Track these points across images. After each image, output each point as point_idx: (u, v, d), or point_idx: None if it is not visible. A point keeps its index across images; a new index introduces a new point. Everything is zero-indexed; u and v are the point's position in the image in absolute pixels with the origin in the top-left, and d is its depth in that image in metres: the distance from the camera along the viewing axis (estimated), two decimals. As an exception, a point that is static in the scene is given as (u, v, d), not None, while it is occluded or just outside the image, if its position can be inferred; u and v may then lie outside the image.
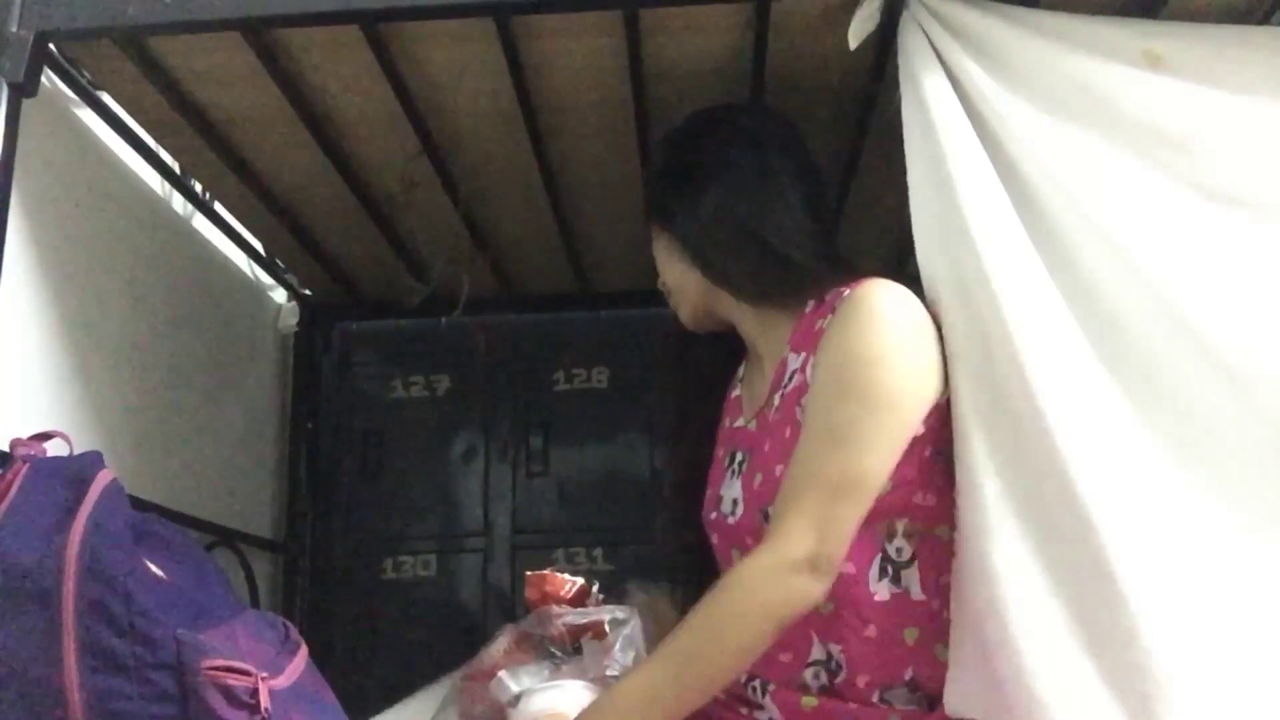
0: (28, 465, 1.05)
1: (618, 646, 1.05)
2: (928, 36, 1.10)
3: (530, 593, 1.12)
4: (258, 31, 1.20)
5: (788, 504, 1.03)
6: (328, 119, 1.40)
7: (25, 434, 1.09)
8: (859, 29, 1.13)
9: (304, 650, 1.14)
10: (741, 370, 1.35)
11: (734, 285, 1.22)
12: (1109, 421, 0.99)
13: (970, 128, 1.07)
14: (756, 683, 1.16)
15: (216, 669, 0.97)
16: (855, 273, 1.16)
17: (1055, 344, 1.00)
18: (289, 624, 1.17)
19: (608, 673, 1.04)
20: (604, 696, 0.99)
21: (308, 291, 2.00)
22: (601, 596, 1.17)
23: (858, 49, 1.14)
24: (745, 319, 1.27)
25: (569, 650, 1.09)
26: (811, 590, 1.00)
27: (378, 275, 1.88)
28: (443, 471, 2.01)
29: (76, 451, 1.12)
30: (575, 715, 0.99)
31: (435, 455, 2.01)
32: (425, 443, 2.02)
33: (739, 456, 1.23)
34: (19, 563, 0.97)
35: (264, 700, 0.98)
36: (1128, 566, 0.94)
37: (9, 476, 1.03)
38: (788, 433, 1.13)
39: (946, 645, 1.07)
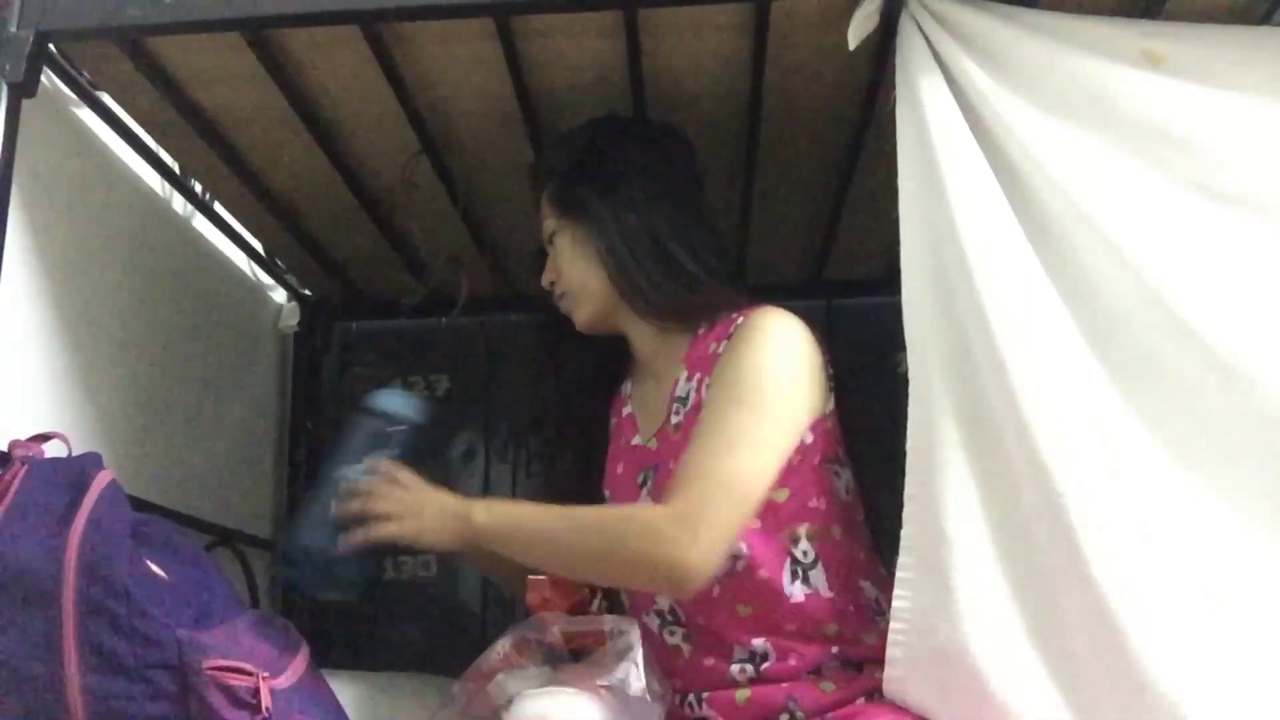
0: (26, 466, 1.05)
1: (613, 655, 1.05)
2: (926, 36, 1.10)
3: (531, 597, 1.12)
4: (258, 31, 1.20)
5: (679, 490, 1.08)
6: (328, 119, 1.40)
7: (24, 434, 1.09)
8: (858, 29, 1.13)
9: (305, 650, 1.14)
10: (629, 387, 1.37)
11: (641, 297, 1.24)
12: (1099, 424, 1.00)
13: (966, 129, 1.07)
14: (691, 696, 1.20)
15: (217, 669, 0.98)
16: (751, 296, 1.24)
17: (1040, 347, 1.01)
18: (289, 624, 1.17)
19: (599, 681, 1.04)
20: (512, 504, 1.18)
21: (308, 291, 1.99)
22: (606, 604, 1.17)
23: (857, 49, 1.14)
24: (641, 334, 1.31)
25: (566, 657, 1.09)
26: (675, 564, 1.05)
27: (378, 275, 1.88)
28: (443, 471, 2.00)
29: (76, 452, 1.12)
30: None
31: (435, 455, 2.01)
32: (425, 443, 2.01)
33: (645, 474, 1.26)
34: (18, 563, 0.97)
35: (265, 700, 0.98)
36: (1111, 572, 0.95)
37: (7, 478, 1.03)
38: None
39: (868, 633, 1.15)
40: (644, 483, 1.26)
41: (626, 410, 1.35)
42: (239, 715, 0.97)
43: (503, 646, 1.12)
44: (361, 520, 1.16)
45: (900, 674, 1.07)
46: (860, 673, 1.14)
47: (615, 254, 1.24)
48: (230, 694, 0.97)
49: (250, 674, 0.99)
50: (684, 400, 1.23)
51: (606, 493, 1.32)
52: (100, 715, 0.95)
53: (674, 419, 1.23)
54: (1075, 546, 0.96)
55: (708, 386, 1.18)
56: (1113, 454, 0.99)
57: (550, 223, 1.31)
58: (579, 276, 1.28)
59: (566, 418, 1.40)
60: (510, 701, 1.04)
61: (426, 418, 1.31)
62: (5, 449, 1.08)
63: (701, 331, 1.26)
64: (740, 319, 1.21)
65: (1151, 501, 0.99)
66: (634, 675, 1.05)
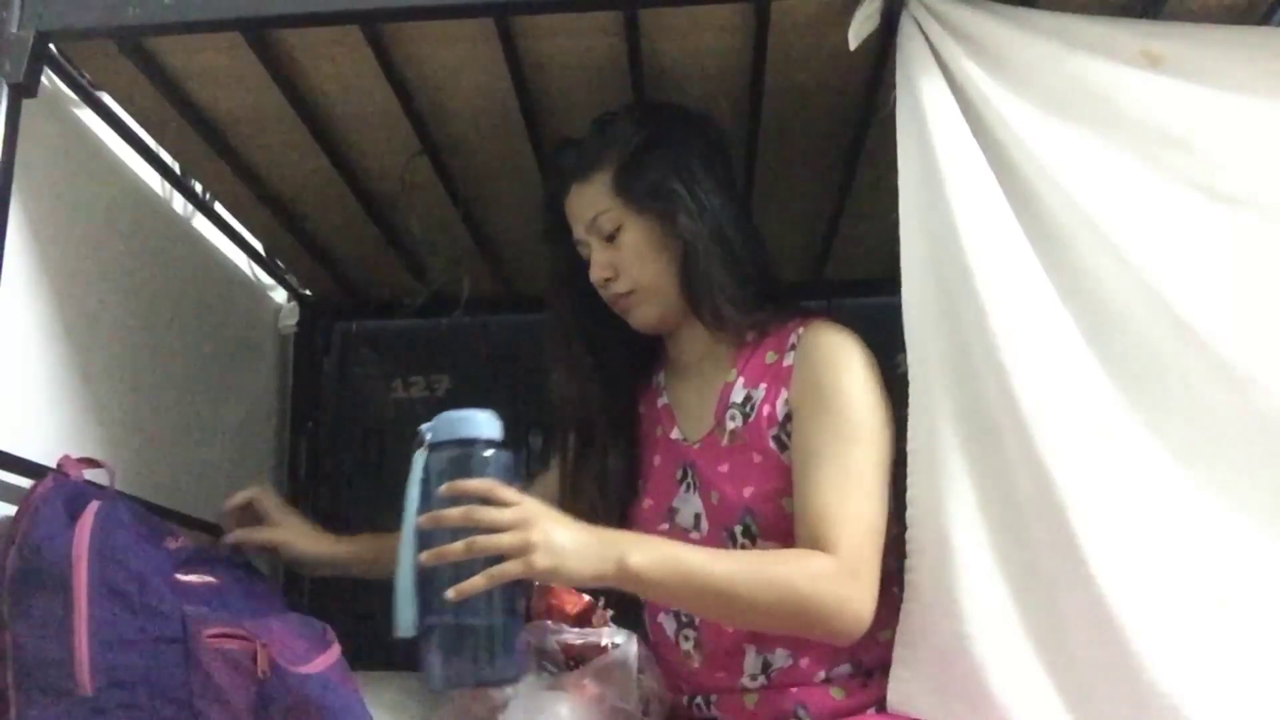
0: (55, 480, 1.10)
1: (609, 667, 1.05)
2: (926, 37, 1.10)
3: (537, 603, 1.12)
4: (258, 31, 1.20)
5: (839, 542, 1.05)
6: (328, 119, 1.40)
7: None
8: (858, 29, 1.13)
9: (337, 648, 1.17)
10: (662, 379, 1.35)
11: (709, 305, 1.20)
12: (1099, 425, 1.00)
13: (966, 130, 1.07)
14: (699, 699, 1.21)
15: (216, 635, 1.01)
16: (783, 304, 1.24)
17: (1040, 348, 1.01)
18: (328, 626, 1.20)
19: (593, 691, 1.04)
20: (668, 546, 1.05)
21: (308, 291, 2.00)
22: (611, 613, 1.16)
23: (857, 49, 1.14)
24: (691, 337, 1.28)
25: (563, 666, 1.09)
26: (855, 618, 1.04)
27: (378, 275, 1.88)
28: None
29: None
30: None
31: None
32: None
33: (688, 471, 1.24)
34: (39, 545, 1.01)
35: (263, 664, 1.00)
36: (1111, 573, 0.95)
37: (39, 488, 1.08)
38: (756, 459, 1.18)
39: (884, 631, 1.12)
40: (683, 478, 1.25)
41: (662, 401, 1.32)
42: (236, 678, 1.00)
43: None
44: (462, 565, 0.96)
45: (906, 674, 1.08)
46: (870, 680, 1.14)
47: (697, 251, 1.18)
48: (228, 658, 1.00)
49: (249, 641, 1.00)
50: (741, 407, 1.21)
51: (641, 483, 1.30)
52: (108, 686, 0.98)
53: (729, 424, 1.21)
54: (1075, 546, 0.96)
55: (788, 403, 1.17)
56: (1112, 453, 0.99)
57: (613, 215, 1.21)
58: (652, 274, 1.21)
59: (604, 412, 1.32)
60: (507, 703, 1.05)
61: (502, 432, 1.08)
62: (41, 462, 1.13)
63: (750, 338, 1.24)
64: (801, 331, 1.20)
65: (1151, 501, 0.99)
66: (628, 690, 1.05)
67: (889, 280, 1.12)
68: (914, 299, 1.09)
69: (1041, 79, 1.08)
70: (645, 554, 1.00)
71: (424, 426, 1.06)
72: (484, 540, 0.96)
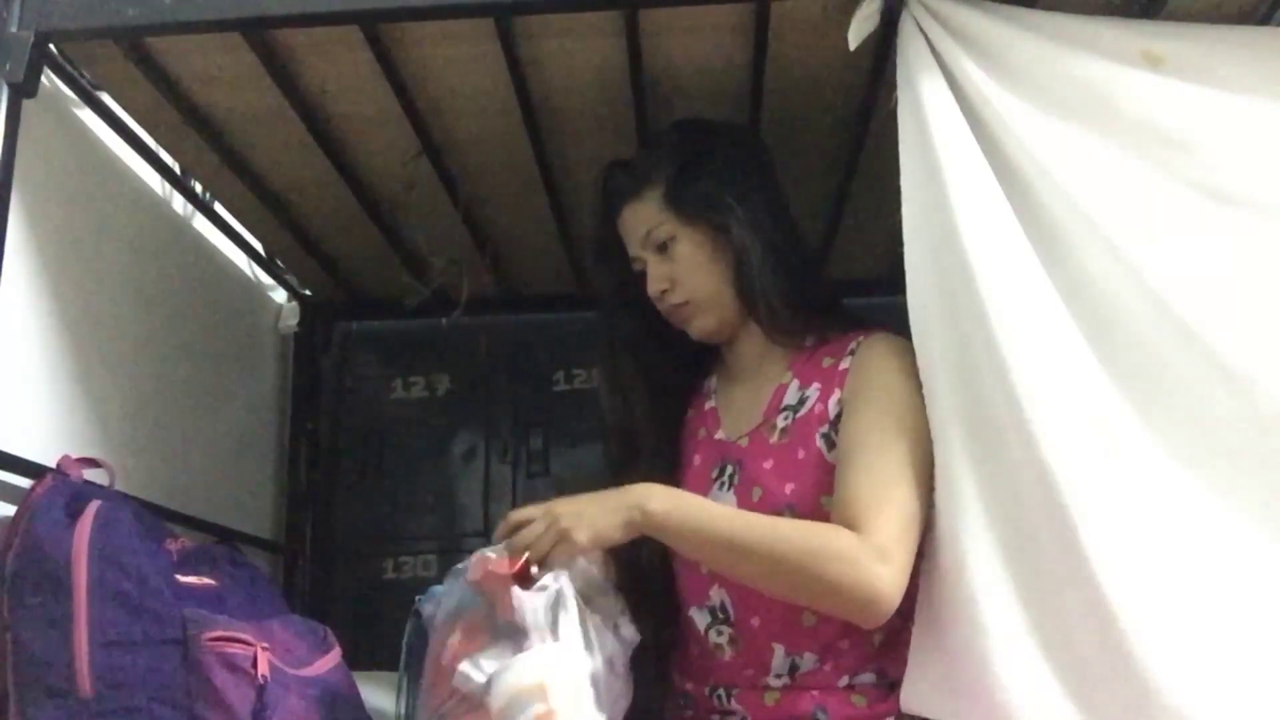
0: (55, 480, 1.10)
1: (548, 610, 1.03)
2: (926, 37, 1.10)
3: (472, 574, 1.09)
4: (257, 32, 1.20)
5: (871, 520, 1.05)
6: (328, 119, 1.40)
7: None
8: (858, 29, 1.13)
9: (337, 651, 1.19)
10: (714, 382, 1.36)
11: (766, 301, 1.21)
12: (1100, 425, 1.00)
13: (967, 130, 1.07)
14: (721, 690, 1.20)
15: (217, 639, 1.01)
16: (843, 313, 1.26)
17: (1042, 348, 1.01)
18: (328, 629, 1.23)
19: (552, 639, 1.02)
20: (687, 495, 1.12)
21: (308, 291, 2.00)
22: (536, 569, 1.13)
23: (857, 49, 1.14)
24: (748, 343, 1.29)
25: (520, 628, 1.05)
26: (876, 597, 1.03)
27: (378, 275, 1.88)
28: (443, 471, 2.00)
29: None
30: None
31: (435, 455, 2.01)
32: (425, 443, 2.01)
33: (729, 469, 1.24)
34: (39, 546, 1.01)
35: (263, 668, 1.01)
36: (1114, 573, 0.95)
37: (37, 488, 1.08)
38: (799, 454, 1.18)
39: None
40: (719, 475, 1.25)
41: (709, 404, 1.33)
42: (234, 680, 1.00)
43: (453, 639, 1.07)
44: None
45: (919, 675, 1.08)
46: (894, 691, 1.14)
47: (749, 259, 1.20)
48: (227, 661, 1.01)
49: (249, 644, 1.01)
50: (794, 408, 1.21)
51: (681, 483, 1.29)
52: (108, 688, 0.98)
53: (780, 423, 1.22)
54: (1077, 546, 0.96)
55: (840, 402, 1.17)
56: (1113, 453, 0.99)
57: (666, 228, 1.24)
58: (707, 284, 1.24)
59: (648, 429, 1.33)
60: (487, 684, 1.00)
61: None
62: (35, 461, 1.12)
63: (809, 343, 1.25)
64: (861, 339, 1.21)
65: (1153, 501, 0.99)
66: (570, 625, 1.03)
67: (889, 280, 1.12)
68: (918, 300, 1.09)
69: (1041, 79, 1.08)
70: (664, 502, 1.08)
71: (419, 598, 1.20)
72: (531, 547, 1.06)
